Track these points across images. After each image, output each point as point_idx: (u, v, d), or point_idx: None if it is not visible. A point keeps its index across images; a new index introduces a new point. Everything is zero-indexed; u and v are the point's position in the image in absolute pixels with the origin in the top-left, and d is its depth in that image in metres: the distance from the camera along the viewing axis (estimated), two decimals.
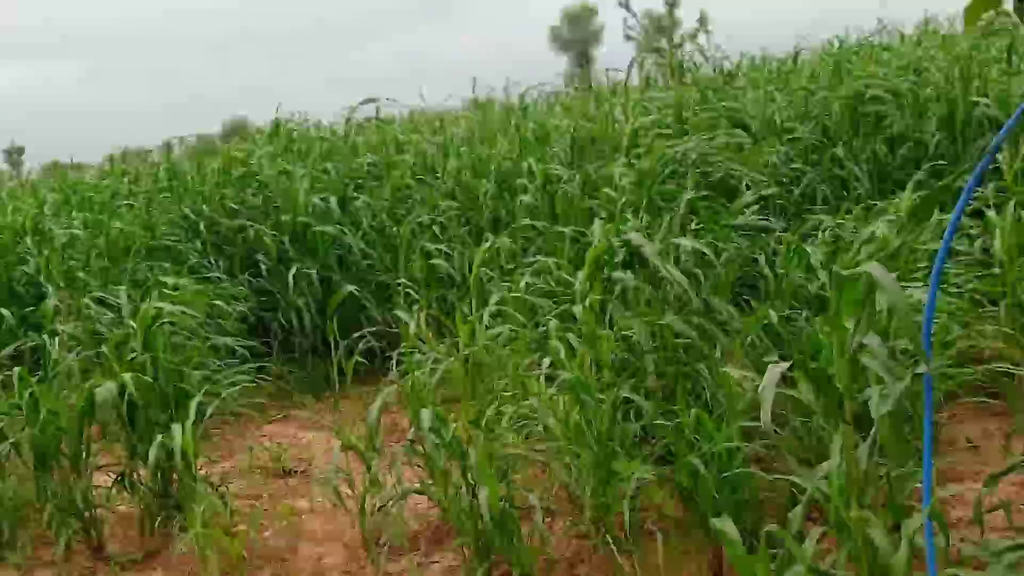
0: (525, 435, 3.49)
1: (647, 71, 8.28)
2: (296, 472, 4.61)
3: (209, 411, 4.14)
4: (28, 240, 6.82)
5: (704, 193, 4.74)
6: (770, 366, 1.72)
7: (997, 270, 4.22)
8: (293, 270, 5.87)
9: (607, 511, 3.09)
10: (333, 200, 6.25)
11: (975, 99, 5.77)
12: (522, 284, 4.43)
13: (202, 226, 6.42)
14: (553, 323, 3.86)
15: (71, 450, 3.97)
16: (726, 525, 2.40)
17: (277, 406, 5.57)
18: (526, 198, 5.80)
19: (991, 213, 4.34)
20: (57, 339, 4.90)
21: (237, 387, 4.61)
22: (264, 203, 6.63)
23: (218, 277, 6.04)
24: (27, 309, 6.04)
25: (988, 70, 6.17)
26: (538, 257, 4.92)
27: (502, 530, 2.94)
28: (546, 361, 3.53)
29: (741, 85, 7.02)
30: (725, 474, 2.98)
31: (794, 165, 5.79)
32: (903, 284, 3.37)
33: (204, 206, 6.59)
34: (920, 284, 3.61)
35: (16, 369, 4.24)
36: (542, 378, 3.56)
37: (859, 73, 6.49)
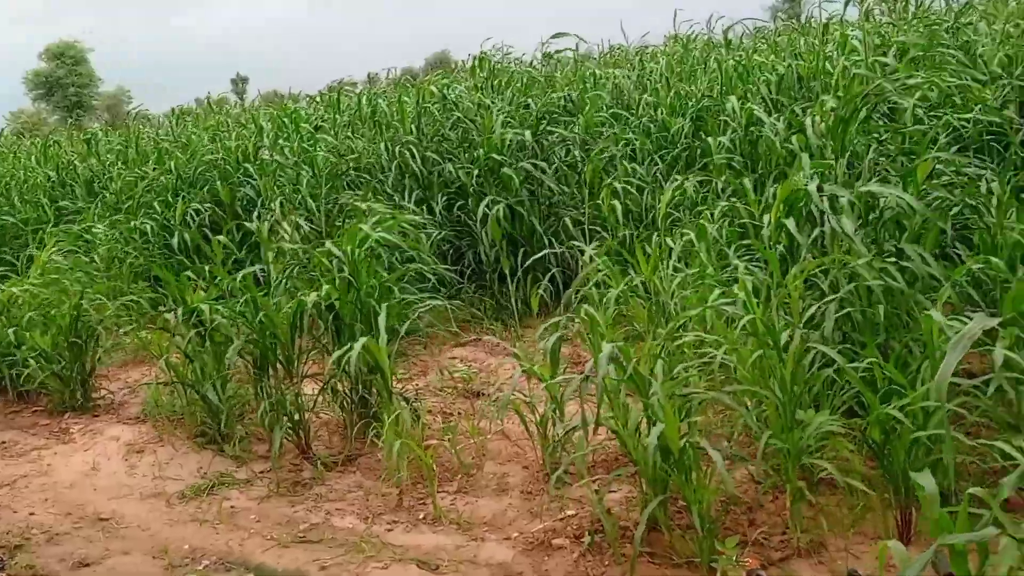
0: (708, 375, 3.47)
1: (867, 4, 7.73)
2: (483, 394, 4.82)
3: (404, 329, 4.39)
4: (249, 166, 7.43)
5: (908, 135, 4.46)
6: (976, 316, 1.58)
7: None
8: (484, 202, 6.02)
9: (789, 459, 3.04)
10: (527, 134, 6.32)
11: None
12: (711, 226, 4.35)
13: (400, 158, 6.69)
14: (741, 265, 3.80)
15: (284, 356, 4.35)
16: (926, 480, 2.27)
17: (468, 331, 5.82)
18: (723, 139, 5.64)
19: None
20: (272, 256, 5.34)
21: (429, 307, 4.83)
22: (462, 136, 6.81)
23: (413, 209, 6.31)
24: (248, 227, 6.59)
25: None
26: (731, 200, 4.81)
27: (680, 467, 2.97)
28: (732, 303, 3.47)
29: (972, 20, 6.42)
30: (919, 433, 2.85)
31: (1008, 112, 5.25)
32: None
33: (405, 138, 6.84)
34: None
35: (239, 276, 4.66)
36: (726, 320, 3.52)
37: None
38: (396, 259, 5.29)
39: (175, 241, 6.96)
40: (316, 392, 4.41)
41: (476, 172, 6.30)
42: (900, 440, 2.91)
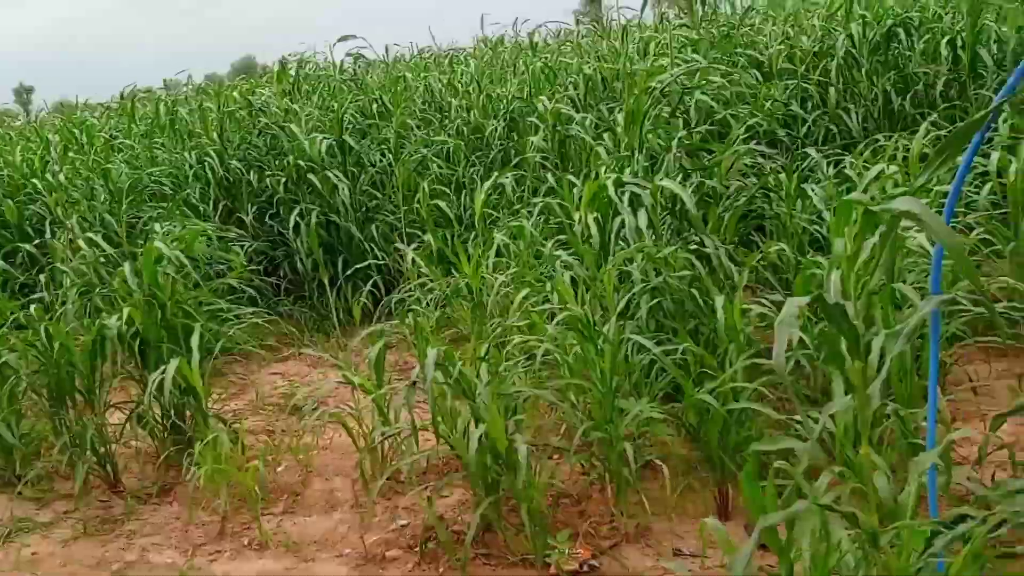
0: (533, 372, 3.51)
1: (662, 9, 8.14)
2: (307, 409, 4.66)
3: (217, 347, 4.19)
4: (37, 181, 6.85)
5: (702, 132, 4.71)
6: (789, 300, 1.66)
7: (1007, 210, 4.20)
8: (296, 211, 5.85)
9: (613, 448, 3.12)
10: (334, 141, 6.20)
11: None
12: (528, 224, 4.42)
13: (206, 167, 6.38)
14: (557, 261, 3.87)
15: (84, 386, 4.03)
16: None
17: (288, 345, 5.62)
18: (535, 139, 5.75)
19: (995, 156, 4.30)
20: (65, 277, 4.94)
21: (244, 323, 4.64)
22: (270, 143, 6.59)
23: (223, 219, 6.04)
24: (37, 247, 6.09)
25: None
26: (546, 198, 4.90)
27: (509, 466, 2.98)
28: (551, 299, 3.54)
29: (755, 22, 6.88)
30: (730, 408, 3.00)
31: (792, 108, 5.69)
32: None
33: (207, 148, 6.54)
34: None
35: (32, 308, 4.29)
36: (547, 316, 3.58)
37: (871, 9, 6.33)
38: (209, 273, 5.03)
39: None
40: (123, 421, 4.11)
41: (286, 180, 6.10)
42: (713, 421, 3.06)
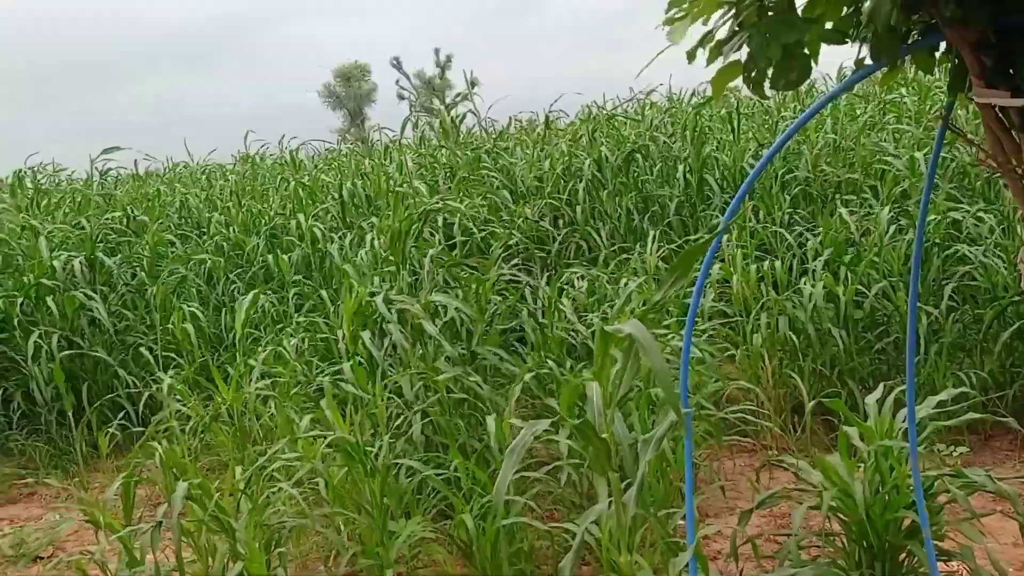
0: (301, 498, 3.36)
1: (421, 130, 8.44)
2: (43, 558, 4.15)
3: None
4: None
5: (465, 248, 4.90)
6: (527, 424, 1.75)
7: (737, 318, 4.64)
8: (34, 335, 5.33)
9: (383, 573, 3.02)
10: (81, 259, 5.78)
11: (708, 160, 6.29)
12: (292, 342, 4.31)
13: None
14: (326, 381, 3.79)
15: None
16: None
17: (19, 484, 5.02)
18: (294, 255, 5.70)
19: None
20: None
21: None
22: (3, 262, 6.03)
23: None
24: None
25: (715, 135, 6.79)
26: (309, 315, 4.83)
27: None
28: (318, 421, 3.43)
29: (508, 145, 7.29)
30: (502, 523, 3.02)
31: (543, 225, 6.03)
32: (657, 333, 3.63)
33: None
34: (672, 333, 3.88)
35: None
36: (314, 439, 3.46)
37: (611, 137, 6.92)
38: None
39: None
40: None
41: (21, 300, 5.57)
42: (485, 536, 3.05)
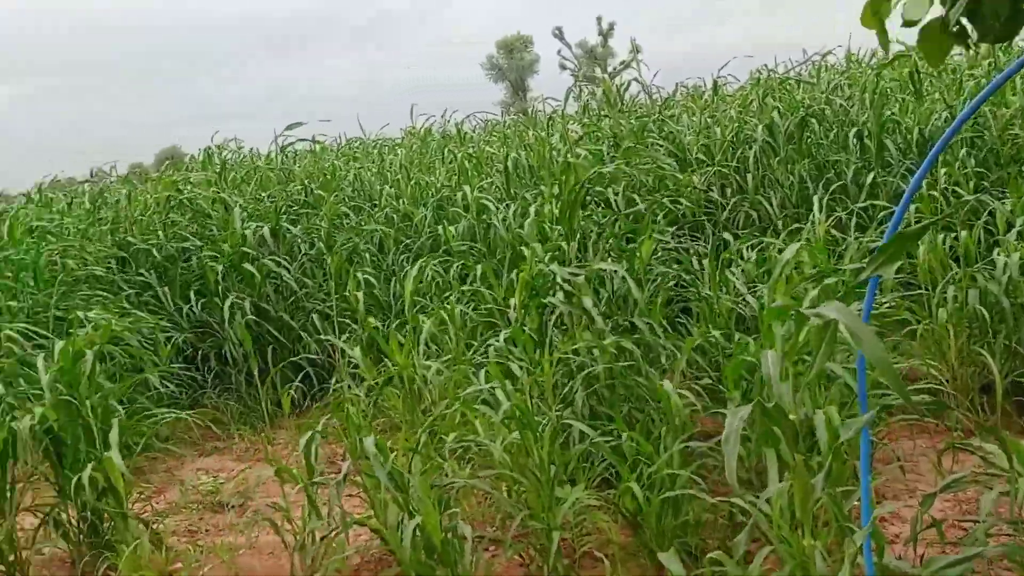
0: (468, 461, 3.47)
1: (584, 100, 8.40)
2: (234, 506, 4.49)
3: (141, 445, 4.02)
4: None
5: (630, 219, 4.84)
6: (730, 411, 1.70)
7: (921, 291, 4.37)
8: (228, 300, 5.74)
9: (550, 538, 3.08)
10: (266, 229, 6.16)
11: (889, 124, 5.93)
12: (457, 311, 4.42)
13: (133, 257, 6.26)
14: (492, 349, 3.87)
15: None
16: (670, 561, 2.40)
17: (214, 439, 5.44)
18: (460, 226, 5.82)
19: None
20: None
21: (168, 419, 4.49)
22: (200, 232, 6.51)
23: (151, 309, 5.89)
24: None
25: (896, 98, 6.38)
26: (475, 285, 4.93)
27: (444, 560, 2.90)
28: (485, 388, 3.51)
29: (675, 112, 7.14)
30: (666, 495, 3.00)
31: (711, 194, 5.88)
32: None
33: (137, 236, 6.43)
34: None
35: None
36: (482, 404, 3.55)
37: (783, 101, 6.64)
38: (129, 365, 4.87)
39: None
40: (36, 526, 3.89)
41: (220, 269, 6.01)
42: (651, 506, 3.04)
